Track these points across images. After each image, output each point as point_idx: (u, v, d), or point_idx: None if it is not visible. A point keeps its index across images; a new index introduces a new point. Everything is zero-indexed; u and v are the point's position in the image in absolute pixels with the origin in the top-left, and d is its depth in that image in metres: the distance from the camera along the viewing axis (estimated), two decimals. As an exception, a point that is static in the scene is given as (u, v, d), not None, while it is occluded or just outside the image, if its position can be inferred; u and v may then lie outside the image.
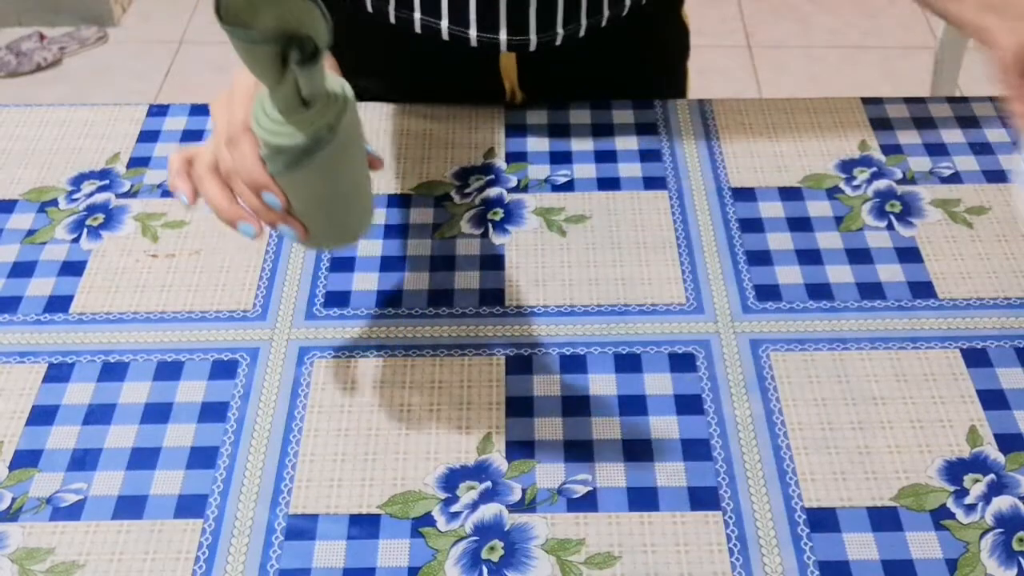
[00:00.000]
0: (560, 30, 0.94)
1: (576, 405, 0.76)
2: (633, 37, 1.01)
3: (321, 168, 0.62)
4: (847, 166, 0.95)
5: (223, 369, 0.78)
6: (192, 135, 0.99)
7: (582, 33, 0.95)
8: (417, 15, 0.93)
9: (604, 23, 0.96)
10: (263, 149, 0.62)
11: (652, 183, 0.93)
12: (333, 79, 0.62)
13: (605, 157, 0.95)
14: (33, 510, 0.70)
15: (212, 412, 0.75)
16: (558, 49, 0.95)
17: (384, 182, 0.93)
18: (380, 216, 0.90)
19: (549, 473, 0.72)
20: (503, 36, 0.93)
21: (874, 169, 0.94)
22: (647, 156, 0.95)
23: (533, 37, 0.93)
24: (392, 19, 0.95)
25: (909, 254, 0.87)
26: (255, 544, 0.68)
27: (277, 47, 0.55)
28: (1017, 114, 0.71)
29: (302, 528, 0.69)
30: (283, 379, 0.78)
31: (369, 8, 0.96)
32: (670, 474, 0.72)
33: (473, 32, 0.92)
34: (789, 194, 0.92)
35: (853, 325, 0.81)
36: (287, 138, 0.60)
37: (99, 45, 2.65)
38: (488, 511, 0.70)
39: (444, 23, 0.93)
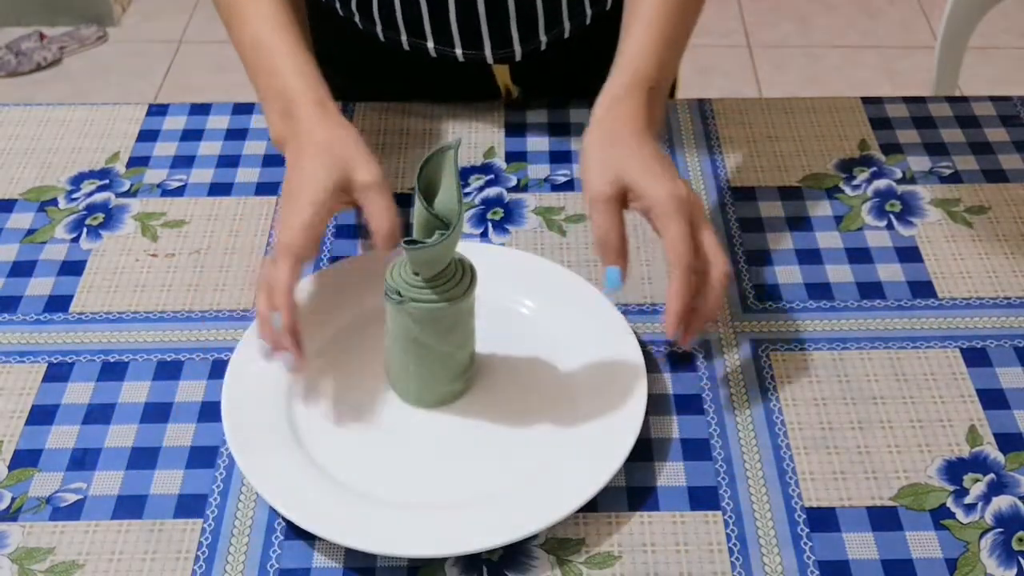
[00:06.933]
0: (543, 37, 0.95)
1: (576, 405, 0.76)
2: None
3: (453, 316, 0.70)
4: (847, 166, 0.95)
5: (223, 369, 0.78)
6: (192, 135, 0.99)
7: (567, 35, 0.96)
8: (404, 36, 0.95)
9: (588, 21, 0.96)
10: (395, 303, 0.69)
11: (652, 183, 0.93)
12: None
13: (605, 157, 0.95)
14: (33, 510, 0.70)
15: (212, 411, 0.75)
16: (547, 49, 0.95)
17: (384, 182, 0.93)
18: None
19: (549, 473, 0.72)
20: (488, 51, 0.95)
21: (874, 169, 0.94)
22: (647, 156, 0.95)
23: (518, 48, 0.95)
24: (381, 38, 0.96)
25: (909, 254, 0.87)
26: (255, 543, 0.68)
27: (437, 221, 0.66)
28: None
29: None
30: (283, 379, 0.78)
31: (360, 26, 0.97)
32: (670, 474, 0.72)
33: (459, 51, 0.95)
34: (789, 194, 0.92)
35: (853, 325, 0.81)
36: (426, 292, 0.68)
37: (99, 44, 2.65)
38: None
39: (430, 43, 0.95)
